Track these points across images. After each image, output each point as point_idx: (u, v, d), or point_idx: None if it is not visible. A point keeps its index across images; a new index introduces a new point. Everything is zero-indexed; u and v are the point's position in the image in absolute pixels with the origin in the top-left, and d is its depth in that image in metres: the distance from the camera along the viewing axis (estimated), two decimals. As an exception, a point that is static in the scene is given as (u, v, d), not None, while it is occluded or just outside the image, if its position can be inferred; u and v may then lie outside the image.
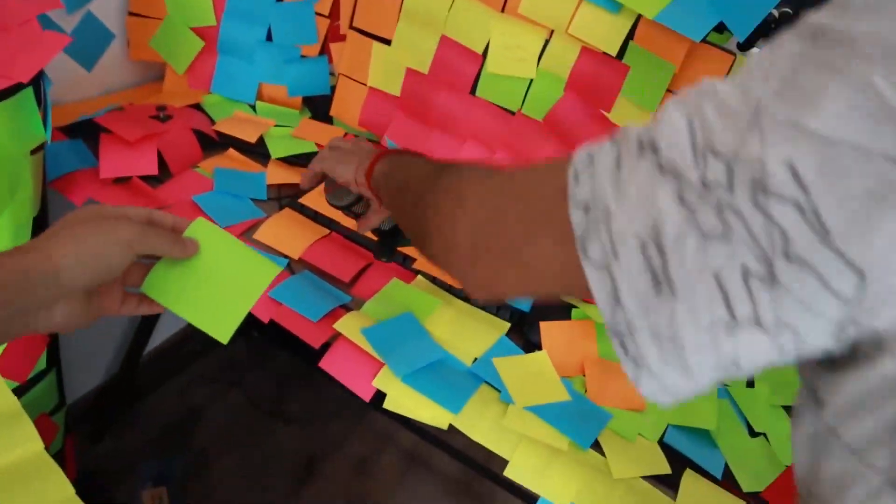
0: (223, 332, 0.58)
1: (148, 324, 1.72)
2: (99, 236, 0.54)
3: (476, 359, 0.96)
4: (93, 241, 0.53)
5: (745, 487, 0.90)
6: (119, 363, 1.74)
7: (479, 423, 0.88)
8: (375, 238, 0.93)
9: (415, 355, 0.93)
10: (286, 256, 1.05)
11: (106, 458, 1.67)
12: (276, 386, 1.97)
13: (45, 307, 0.53)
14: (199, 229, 0.60)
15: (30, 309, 0.51)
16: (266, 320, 0.97)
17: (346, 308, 0.99)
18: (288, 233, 1.08)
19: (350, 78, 1.32)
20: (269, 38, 1.31)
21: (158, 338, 1.85)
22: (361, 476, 1.78)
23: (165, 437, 1.77)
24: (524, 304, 1.07)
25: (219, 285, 0.59)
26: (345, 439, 1.86)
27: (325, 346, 0.94)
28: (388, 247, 0.90)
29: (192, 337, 1.89)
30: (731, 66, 1.05)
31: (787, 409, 1.06)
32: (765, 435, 1.00)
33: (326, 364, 0.93)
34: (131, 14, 1.28)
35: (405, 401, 0.89)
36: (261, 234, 1.07)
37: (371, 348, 0.91)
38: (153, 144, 1.12)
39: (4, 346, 0.97)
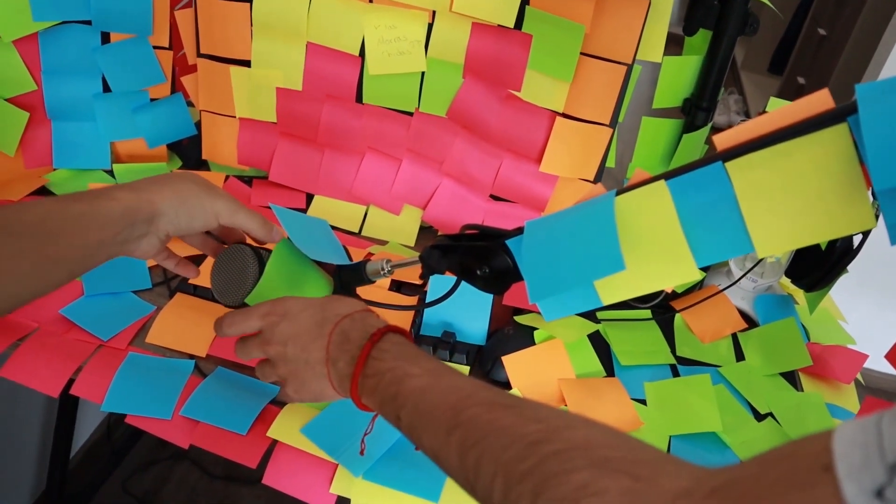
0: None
1: (65, 425, 1.51)
2: (197, 199, 0.63)
3: (441, 423, 0.82)
4: (191, 202, 0.63)
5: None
6: (45, 477, 1.53)
7: (467, 501, 0.75)
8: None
9: (370, 444, 0.79)
10: (191, 356, 0.88)
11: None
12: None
13: (139, 239, 0.62)
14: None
15: (130, 239, 0.61)
16: (185, 446, 0.80)
17: (278, 403, 0.83)
18: (186, 325, 0.90)
19: (214, 113, 1.12)
20: (106, 88, 1.10)
21: (82, 436, 1.65)
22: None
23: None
24: (478, 338, 0.93)
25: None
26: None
27: (267, 455, 0.80)
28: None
29: (118, 423, 1.69)
30: (647, 10, 0.90)
31: (785, 375, 0.96)
32: (771, 415, 0.90)
33: (270, 479, 0.79)
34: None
35: (374, 500, 0.76)
36: (154, 336, 0.89)
37: (318, 448, 0.77)
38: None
39: None
